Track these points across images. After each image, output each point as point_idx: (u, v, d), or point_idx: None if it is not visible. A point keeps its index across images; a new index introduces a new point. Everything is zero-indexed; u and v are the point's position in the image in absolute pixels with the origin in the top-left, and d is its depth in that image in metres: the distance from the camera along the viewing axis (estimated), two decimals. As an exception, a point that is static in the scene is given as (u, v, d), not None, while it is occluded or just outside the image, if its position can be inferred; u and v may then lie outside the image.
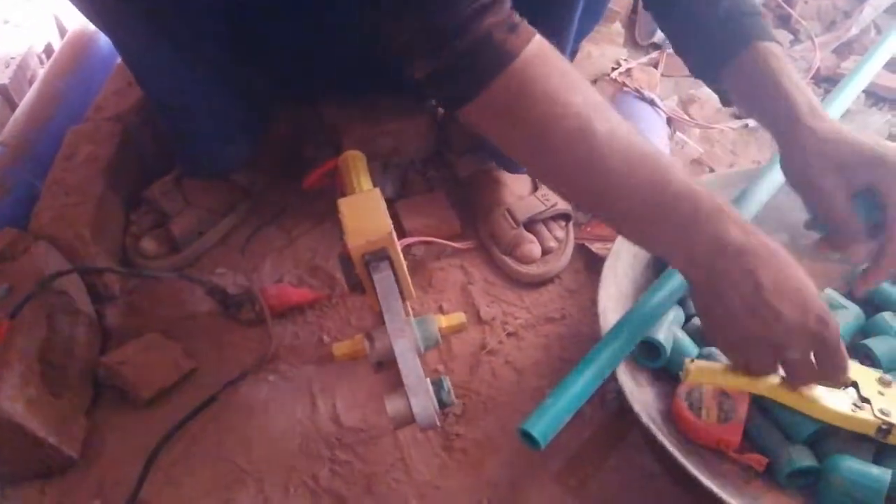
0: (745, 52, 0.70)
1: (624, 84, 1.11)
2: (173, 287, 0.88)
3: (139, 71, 0.81)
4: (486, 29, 0.53)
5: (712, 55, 0.73)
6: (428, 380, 0.59)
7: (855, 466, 0.60)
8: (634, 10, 1.26)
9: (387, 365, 0.62)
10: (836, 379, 0.59)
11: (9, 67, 1.05)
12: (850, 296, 0.74)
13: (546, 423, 0.56)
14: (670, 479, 0.68)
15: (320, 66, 0.88)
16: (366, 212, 0.66)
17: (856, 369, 0.65)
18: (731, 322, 0.56)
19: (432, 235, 0.88)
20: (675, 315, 0.72)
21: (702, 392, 0.66)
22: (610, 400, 0.74)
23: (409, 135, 0.96)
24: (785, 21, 1.31)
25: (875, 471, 0.59)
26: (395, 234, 0.63)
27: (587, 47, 1.16)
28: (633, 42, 1.26)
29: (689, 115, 1.11)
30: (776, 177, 0.75)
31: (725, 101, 0.78)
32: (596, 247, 0.89)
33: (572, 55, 0.90)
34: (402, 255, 0.65)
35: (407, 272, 0.66)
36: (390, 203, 0.86)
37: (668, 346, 0.69)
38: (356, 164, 0.77)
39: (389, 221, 0.64)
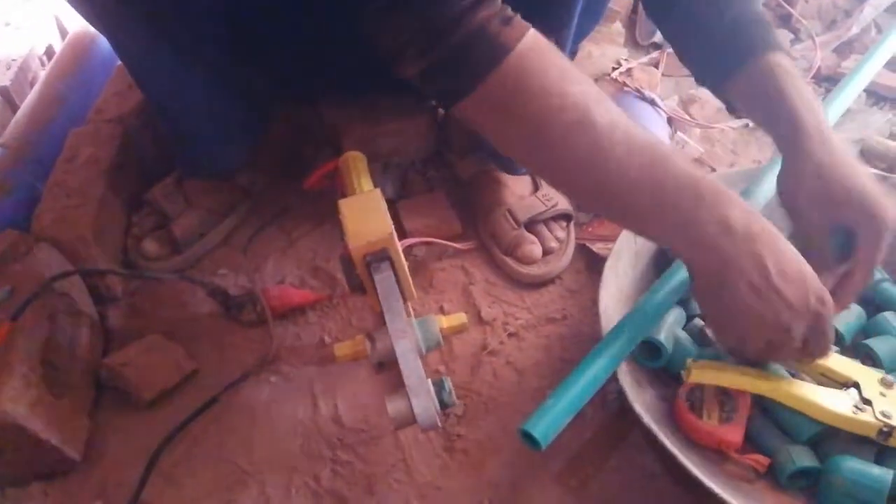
0: (752, 62, 0.69)
1: (624, 84, 1.11)
2: (175, 288, 0.88)
3: (139, 73, 0.81)
4: (479, 22, 0.53)
5: (719, 65, 0.72)
6: (429, 380, 0.59)
7: (856, 467, 0.59)
8: (635, 10, 1.26)
9: (388, 365, 0.62)
10: (818, 356, 0.61)
11: (10, 69, 1.05)
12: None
13: (547, 423, 0.56)
14: (671, 479, 0.68)
15: (320, 66, 0.88)
16: (366, 213, 0.66)
17: (857, 370, 0.65)
18: (735, 304, 0.56)
19: (433, 236, 0.88)
20: (676, 315, 0.72)
21: (703, 392, 0.66)
22: (611, 400, 0.74)
23: (410, 135, 0.96)
24: (785, 20, 1.31)
25: (876, 471, 0.59)
26: (395, 235, 0.63)
27: (587, 47, 1.16)
28: (633, 42, 1.26)
29: (689, 114, 1.11)
30: (776, 178, 0.75)
31: (731, 110, 0.76)
32: (597, 247, 0.89)
33: (572, 55, 0.90)
34: (402, 256, 0.65)
35: (408, 273, 0.66)
36: (391, 204, 0.86)
37: (669, 347, 0.69)
38: (356, 165, 0.77)
39: (390, 222, 0.64)
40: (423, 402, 0.57)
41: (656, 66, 1.20)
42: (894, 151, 1.03)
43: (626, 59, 1.19)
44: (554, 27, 0.60)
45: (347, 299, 0.87)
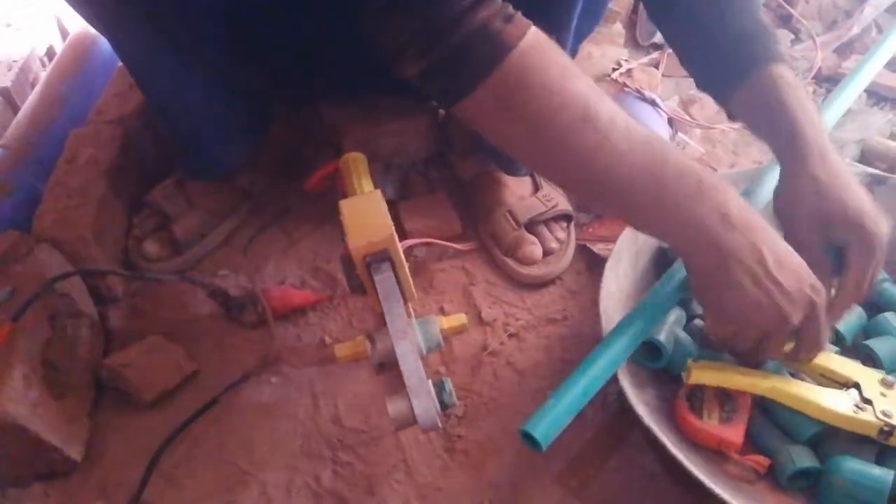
0: (756, 74, 0.69)
1: (625, 85, 1.11)
2: (176, 289, 0.88)
3: (139, 74, 0.82)
4: (481, 21, 0.53)
5: (722, 75, 0.72)
6: (429, 381, 0.59)
7: (857, 467, 0.59)
8: (635, 11, 1.26)
9: (388, 366, 0.62)
10: (812, 347, 0.62)
11: (11, 70, 1.05)
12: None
13: (547, 424, 0.56)
14: (672, 479, 0.68)
15: (320, 66, 0.88)
16: (367, 213, 0.66)
17: (858, 370, 0.65)
18: (733, 293, 0.57)
19: (433, 237, 0.88)
20: (676, 316, 0.72)
21: (703, 393, 0.66)
22: (611, 401, 0.74)
23: (410, 135, 0.96)
24: (786, 20, 1.31)
25: (877, 471, 0.59)
26: (396, 236, 0.63)
27: (588, 48, 1.16)
28: (633, 42, 1.26)
29: (690, 115, 1.11)
30: (777, 178, 0.75)
31: (731, 117, 0.76)
32: (597, 248, 0.89)
33: (572, 56, 0.90)
34: (403, 257, 0.65)
35: (408, 273, 0.66)
36: (391, 204, 0.86)
37: (670, 347, 0.69)
38: (357, 166, 0.77)
39: (391, 223, 0.64)
40: (424, 402, 0.57)
41: (657, 66, 1.20)
42: (895, 152, 1.03)
43: (626, 60, 1.19)
44: (553, 28, 0.60)
45: (348, 300, 0.87)
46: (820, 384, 0.65)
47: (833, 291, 0.65)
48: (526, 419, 0.57)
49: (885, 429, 0.60)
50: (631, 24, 1.27)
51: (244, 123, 0.90)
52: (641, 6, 1.16)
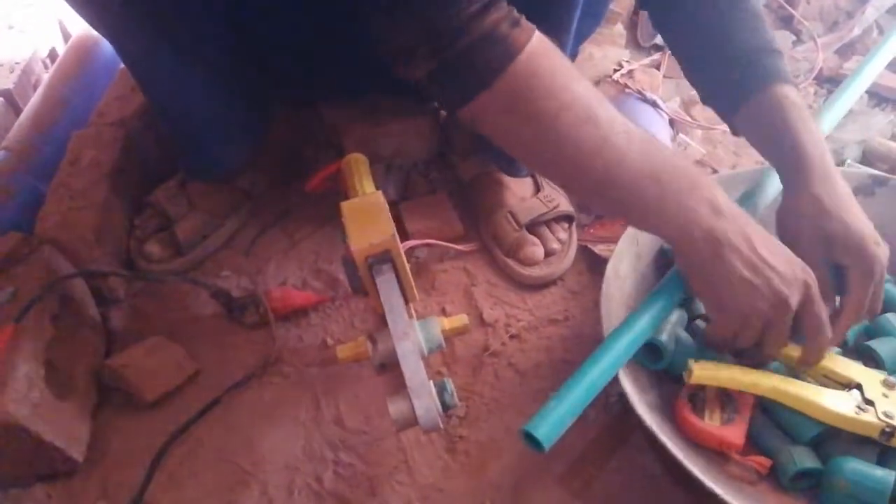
0: (762, 93, 0.70)
1: (626, 86, 1.11)
2: (177, 290, 0.88)
3: (139, 74, 0.82)
4: (489, 25, 0.54)
5: (728, 91, 0.73)
6: (431, 382, 0.59)
7: (858, 468, 0.59)
8: (636, 12, 1.26)
9: (390, 367, 0.62)
10: (815, 331, 0.62)
11: (13, 72, 1.06)
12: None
13: (549, 425, 0.56)
14: (673, 480, 0.68)
15: (320, 66, 0.88)
16: (368, 214, 0.66)
17: (860, 371, 0.65)
18: (731, 280, 0.59)
19: (435, 237, 0.88)
20: (677, 316, 0.72)
21: (705, 394, 0.66)
22: (613, 402, 0.74)
23: (411, 136, 0.97)
24: (787, 22, 1.31)
25: (879, 472, 0.59)
26: (397, 237, 0.63)
27: (589, 49, 1.16)
28: (635, 43, 1.26)
29: (691, 116, 1.11)
30: (778, 179, 0.75)
31: (734, 131, 0.77)
32: (599, 248, 0.89)
33: (573, 57, 0.90)
34: (404, 258, 0.65)
35: (410, 274, 0.66)
36: (393, 205, 0.86)
37: (671, 348, 0.69)
38: (358, 168, 0.77)
39: (392, 224, 0.64)
40: (425, 403, 0.57)
41: (658, 67, 1.20)
42: (896, 153, 1.03)
43: (627, 61, 1.19)
44: (554, 29, 0.61)
45: (349, 301, 0.87)
46: (822, 385, 0.65)
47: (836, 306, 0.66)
48: (528, 420, 0.57)
49: (887, 430, 0.60)
50: (632, 26, 1.27)
51: (244, 124, 0.90)
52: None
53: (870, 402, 0.62)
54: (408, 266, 0.66)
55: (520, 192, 0.92)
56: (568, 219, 0.91)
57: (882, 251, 0.65)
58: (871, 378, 0.64)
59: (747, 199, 0.77)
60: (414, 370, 0.58)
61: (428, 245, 0.89)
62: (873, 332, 0.73)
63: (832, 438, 0.63)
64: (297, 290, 0.87)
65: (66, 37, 1.18)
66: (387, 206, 0.67)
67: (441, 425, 0.58)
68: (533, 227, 0.89)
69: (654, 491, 0.68)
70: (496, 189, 0.92)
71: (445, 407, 0.59)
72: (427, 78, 0.57)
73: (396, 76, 0.59)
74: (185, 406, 0.76)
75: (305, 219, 0.97)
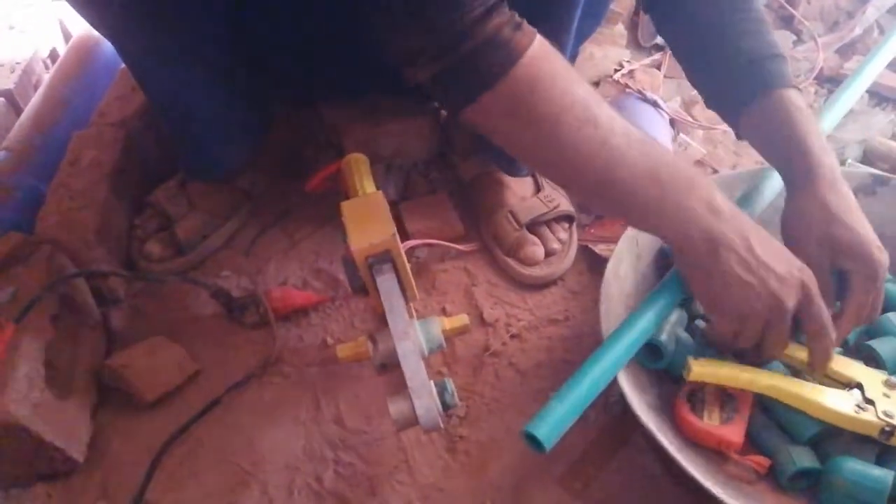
0: (767, 98, 0.70)
1: (626, 86, 1.11)
2: (178, 290, 0.88)
3: (140, 74, 0.82)
4: (493, 29, 0.54)
5: (732, 96, 0.73)
6: (431, 381, 0.59)
7: (857, 468, 0.59)
8: (637, 12, 1.26)
9: (390, 367, 0.62)
10: (823, 333, 0.62)
11: (14, 72, 1.06)
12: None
13: (550, 425, 0.56)
14: (672, 480, 0.68)
15: (320, 66, 0.88)
16: (369, 214, 0.66)
17: (861, 371, 0.65)
18: (728, 280, 0.59)
19: (435, 237, 0.88)
20: (677, 316, 0.72)
21: (704, 393, 0.66)
22: (613, 403, 0.74)
23: (411, 136, 0.97)
24: (788, 22, 1.31)
25: (877, 472, 0.59)
26: (398, 237, 0.63)
27: (589, 49, 1.16)
28: (635, 43, 1.26)
29: (692, 116, 1.11)
30: (778, 179, 0.75)
31: (738, 136, 0.77)
32: (599, 248, 0.89)
33: (573, 58, 0.90)
34: (405, 258, 0.65)
35: (410, 274, 0.66)
36: (393, 205, 0.87)
37: (671, 348, 0.69)
38: (359, 167, 0.77)
39: (392, 224, 0.64)
40: (426, 403, 0.57)
41: (658, 67, 1.20)
42: (897, 152, 1.03)
43: (628, 61, 1.19)
44: (555, 30, 0.61)
45: (350, 301, 0.87)
46: (823, 384, 0.65)
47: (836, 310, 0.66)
48: (528, 420, 0.57)
49: (886, 429, 0.60)
50: (633, 26, 1.27)
51: (244, 124, 0.91)
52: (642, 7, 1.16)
53: (870, 402, 0.62)
54: (408, 266, 0.66)
55: (520, 192, 0.92)
56: (568, 219, 0.91)
57: (884, 257, 0.66)
58: (872, 378, 0.64)
59: (747, 199, 0.77)
60: (414, 370, 0.58)
61: (428, 245, 0.89)
62: (874, 331, 0.73)
63: (831, 438, 0.63)
64: (298, 290, 0.87)
65: (67, 37, 1.18)
66: (387, 205, 0.67)
67: (441, 425, 0.58)
68: (533, 227, 0.89)
69: (655, 491, 0.68)
70: (496, 189, 0.92)
71: (446, 407, 0.59)
72: (430, 80, 0.57)
73: (401, 78, 0.59)
74: (185, 406, 0.76)
75: (305, 219, 0.97)
